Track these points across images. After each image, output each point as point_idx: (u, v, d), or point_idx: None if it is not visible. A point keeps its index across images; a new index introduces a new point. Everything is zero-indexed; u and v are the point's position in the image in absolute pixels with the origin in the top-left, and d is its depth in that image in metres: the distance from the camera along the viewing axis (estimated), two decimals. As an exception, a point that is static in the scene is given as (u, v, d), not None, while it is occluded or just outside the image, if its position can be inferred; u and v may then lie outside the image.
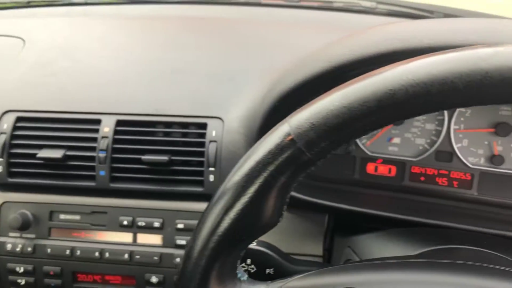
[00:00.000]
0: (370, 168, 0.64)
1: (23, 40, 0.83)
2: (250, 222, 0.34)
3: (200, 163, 0.63)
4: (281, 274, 0.45)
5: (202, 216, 0.36)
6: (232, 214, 0.34)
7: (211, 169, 0.62)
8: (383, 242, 0.50)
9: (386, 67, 0.31)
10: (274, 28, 0.82)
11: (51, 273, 0.65)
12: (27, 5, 1.08)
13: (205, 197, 0.63)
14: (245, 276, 0.39)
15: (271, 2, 0.98)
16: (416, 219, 0.56)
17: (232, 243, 0.35)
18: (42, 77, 0.72)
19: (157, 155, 0.62)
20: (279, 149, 0.33)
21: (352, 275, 0.35)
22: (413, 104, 0.30)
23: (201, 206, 0.63)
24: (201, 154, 0.62)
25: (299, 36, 0.78)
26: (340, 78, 0.52)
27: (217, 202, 0.35)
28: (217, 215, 0.35)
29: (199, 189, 0.63)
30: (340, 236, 0.61)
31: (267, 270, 0.46)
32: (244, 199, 0.34)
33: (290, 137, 0.32)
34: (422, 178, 0.62)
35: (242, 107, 0.63)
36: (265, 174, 0.33)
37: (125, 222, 0.64)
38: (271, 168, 0.33)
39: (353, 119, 0.31)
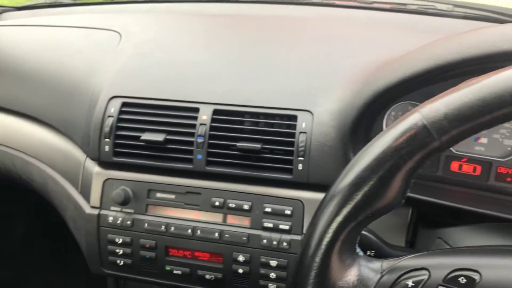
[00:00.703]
0: (454, 166, 0.66)
1: (119, 33, 0.91)
2: (376, 201, 0.38)
3: (290, 152, 0.67)
4: (381, 256, 0.49)
5: (329, 191, 0.40)
6: (361, 192, 0.38)
7: (300, 158, 0.66)
8: (479, 235, 0.52)
9: None
10: (354, 28, 0.85)
11: (147, 245, 0.71)
12: (112, 2, 1.17)
13: (293, 184, 0.67)
14: (362, 252, 0.42)
15: (344, 3, 1.01)
16: (504, 215, 0.57)
17: (357, 219, 0.39)
18: (142, 67, 0.79)
19: (250, 143, 0.67)
20: (412, 135, 0.36)
21: (469, 258, 0.38)
22: None
23: (288, 192, 0.68)
24: (291, 144, 0.67)
25: (381, 36, 0.80)
26: (441, 76, 0.55)
27: (345, 180, 0.39)
28: (345, 191, 0.38)
29: (288, 176, 0.67)
30: (425, 228, 0.63)
31: (368, 252, 0.50)
32: (374, 179, 0.37)
33: (423, 124, 0.36)
34: (509, 179, 0.63)
35: (332, 101, 0.66)
36: (396, 157, 0.37)
37: (216, 203, 0.69)
38: (403, 152, 0.36)
39: (486, 111, 0.34)
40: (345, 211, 0.38)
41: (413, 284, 0.38)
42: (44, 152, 0.86)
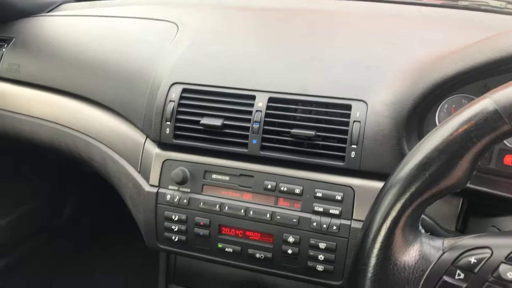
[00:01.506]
0: (508, 159, 0.66)
1: (176, 24, 0.96)
2: (442, 180, 0.40)
3: (343, 140, 0.69)
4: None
5: (397, 169, 0.42)
6: (428, 171, 0.40)
7: (354, 146, 0.68)
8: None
9: None
10: (407, 23, 0.87)
11: (201, 223, 0.76)
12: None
13: (344, 171, 0.70)
14: (423, 230, 0.45)
15: (394, -1, 1.02)
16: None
17: (422, 198, 0.41)
18: (200, 56, 0.83)
19: (304, 130, 0.70)
20: (482, 118, 0.38)
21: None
22: None
23: (339, 179, 0.70)
24: (345, 132, 0.69)
25: (435, 32, 0.81)
26: (501, 69, 0.56)
27: (414, 160, 0.41)
28: (413, 170, 0.41)
29: (340, 163, 0.70)
30: (477, 217, 0.65)
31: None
32: (442, 159, 0.40)
33: (494, 109, 0.38)
34: None
35: (386, 92, 0.68)
36: (465, 139, 0.39)
37: (269, 186, 0.73)
38: (472, 134, 0.39)
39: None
40: (412, 188, 0.41)
41: (475, 261, 0.40)
42: (104, 134, 0.93)
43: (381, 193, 0.43)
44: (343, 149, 0.69)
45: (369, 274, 0.43)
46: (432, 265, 0.42)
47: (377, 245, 0.42)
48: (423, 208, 0.43)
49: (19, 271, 1.41)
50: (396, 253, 0.42)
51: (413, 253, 0.43)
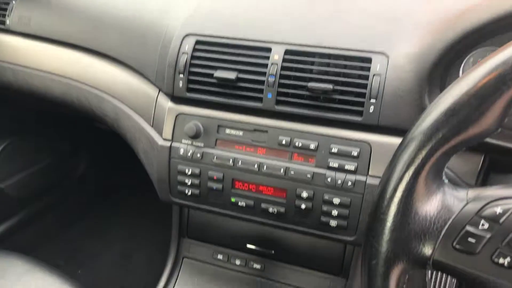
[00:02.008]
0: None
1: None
2: (471, 126, 0.39)
3: (361, 95, 0.67)
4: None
5: (424, 114, 0.40)
6: (457, 116, 0.38)
7: (373, 100, 0.66)
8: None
9: None
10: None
11: (214, 177, 0.76)
12: None
13: (362, 126, 0.68)
14: (447, 180, 0.43)
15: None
16: None
17: (449, 144, 0.40)
18: (215, 8, 0.80)
19: (321, 83, 0.68)
20: (520, 61, 0.36)
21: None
22: None
23: (356, 134, 0.69)
24: (364, 86, 0.67)
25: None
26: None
27: (442, 104, 0.39)
28: (441, 115, 0.39)
29: (357, 118, 0.68)
30: (499, 174, 0.63)
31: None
32: (473, 104, 0.38)
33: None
34: None
35: (409, 44, 0.65)
36: (499, 83, 0.37)
37: (283, 142, 0.72)
38: (507, 78, 0.36)
39: None
40: (439, 135, 0.39)
41: (501, 211, 0.39)
42: (116, 88, 0.91)
43: (406, 140, 0.42)
44: (361, 104, 0.67)
45: (389, 224, 0.42)
46: (455, 215, 0.41)
47: (399, 193, 0.41)
48: (448, 156, 0.41)
49: (32, 227, 1.45)
50: (418, 202, 0.41)
51: (435, 202, 0.42)
